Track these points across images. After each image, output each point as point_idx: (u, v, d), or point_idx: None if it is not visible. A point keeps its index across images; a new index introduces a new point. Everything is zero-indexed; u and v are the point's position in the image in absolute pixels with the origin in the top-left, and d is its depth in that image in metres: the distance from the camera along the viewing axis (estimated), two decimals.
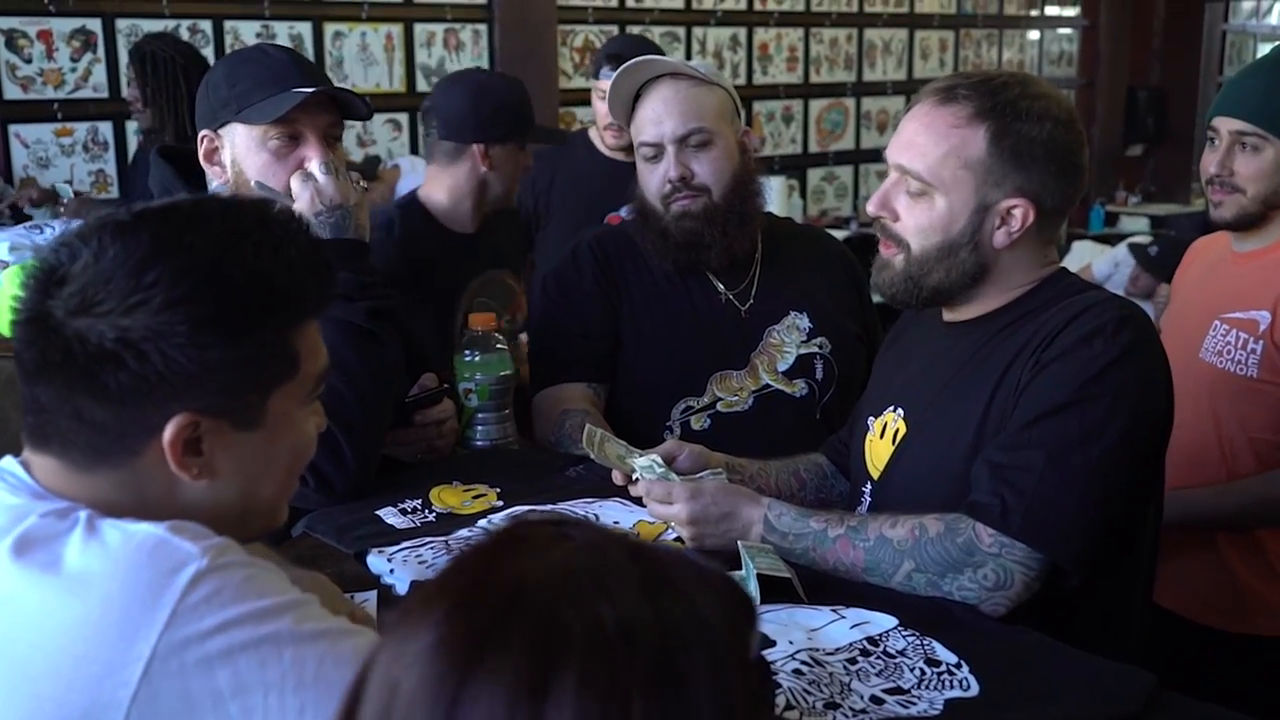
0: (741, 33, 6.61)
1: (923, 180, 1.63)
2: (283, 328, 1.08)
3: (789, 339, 2.28)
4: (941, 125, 1.62)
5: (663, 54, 3.57)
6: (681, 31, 6.37)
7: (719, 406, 2.22)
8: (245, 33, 5.08)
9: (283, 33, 5.15)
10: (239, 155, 1.91)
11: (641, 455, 1.76)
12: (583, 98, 5.93)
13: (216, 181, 1.94)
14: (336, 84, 2.10)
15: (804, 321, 2.29)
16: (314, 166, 1.88)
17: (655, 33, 6.22)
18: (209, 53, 4.78)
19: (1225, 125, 2.21)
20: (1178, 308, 2.41)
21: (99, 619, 0.94)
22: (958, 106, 1.61)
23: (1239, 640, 2.20)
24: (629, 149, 3.04)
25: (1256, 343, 2.11)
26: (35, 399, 1.03)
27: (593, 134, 3.62)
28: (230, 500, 1.10)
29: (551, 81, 5.83)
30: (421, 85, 5.53)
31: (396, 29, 5.47)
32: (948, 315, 1.74)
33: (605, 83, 3.19)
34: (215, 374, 1.03)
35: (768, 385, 2.24)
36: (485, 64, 5.70)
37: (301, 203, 1.86)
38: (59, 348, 1.00)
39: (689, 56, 6.29)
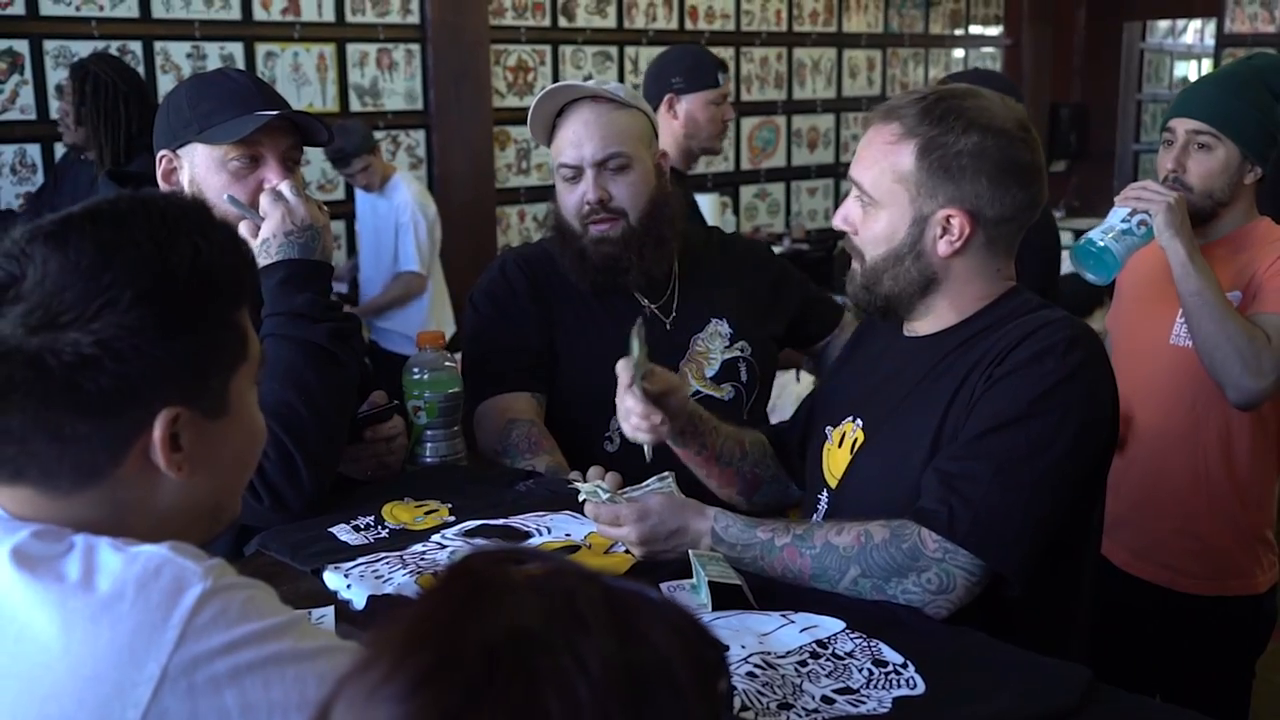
0: None
1: (867, 195, 1.70)
2: (232, 310, 1.10)
3: (714, 346, 2.35)
4: (879, 142, 1.69)
5: (726, 68, 3.57)
6: (614, 50, 6.42)
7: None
8: (175, 54, 5.05)
9: (213, 53, 5.13)
10: (198, 175, 1.93)
11: (585, 481, 1.80)
12: (516, 117, 5.96)
13: None
14: None
15: (725, 328, 2.36)
16: (284, 187, 1.90)
17: (588, 52, 6.27)
18: (139, 72, 4.75)
19: (1182, 125, 2.37)
20: (1134, 306, 2.54)
21: (109, 640, 0.94)
22: (895, 125, 1.68)
23: (1214, 601, 2.38)
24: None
25: None
26: (4, 427, 1.01)
27: None
28: (203, 496, 1.11)
29: (485, 101, 5.85)
30: (355, 105, 5.52)
31: (329, 49, 5.46)
32: (907, 330, 1.80)
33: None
34: (187, 363, 1.04)
35: (698, 392, 2.30)
36: (418, 85, 5.71)
37: (272, 221, 1.88)
38: (28, 367, 0.98)
39: (621, 76, 6.34)
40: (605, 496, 1.73)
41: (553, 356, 2.31)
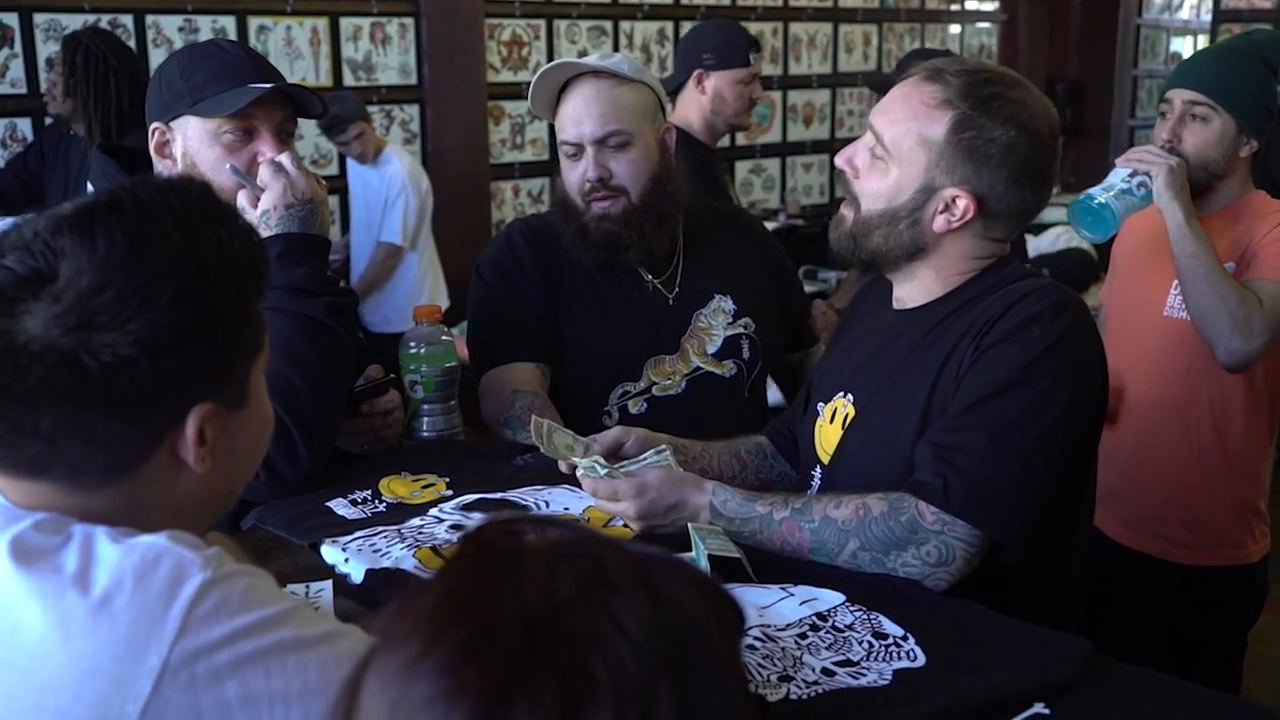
0: (669, 26, 6.65)
1: (884, 146, 1.68)
2: (252, 300, 1.09)
3: (716, 322, 2.35)
4: (915, 100, 1.66)
5: (759, 47, 3.57)
6: (609, 25, 6.39)
7: (654, 390, 2.29)
8: (167, 27, 5.01)
9: (205, 26, 5.10)
10: (191, 148, 1.91)
11: (585, 451, 1.79)
12: (511, 91, 5.93)
13: (167, 174, 1.94)
14: None
15: (728, 304, 2.36)
16: (285, 159, 1.88)
17: (582, 26, 6.24)
18: (130, 46, 4.72)
19: (1179, 96, 2.38)
20: (1128, 279, 2.55)
21: (107, 632, 0.93)
22: (936, 87, 1.65)
23: (1206, 572, 2.41)
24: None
25: None
26: (32, 429, 0.98)
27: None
28: (218, 485, 1.10)
29: (479, 76, 5.83)
30: (348, 79, 5.49)
31: (322, 23, 5.43)
32: (895, 303, 1.79)
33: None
34: (219, 357, 1.04)
35: (699, 368, 2.31)
36: (412, 59, 5.68)
37: (273, 193, 1.87)
38: (63, 368, 0.96)
39: (616, 49, 6.31)
40: (603, 471, 1.72)
41: (557, 330, 2.31)
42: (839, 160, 1.75)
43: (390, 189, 4.95)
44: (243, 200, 1.87)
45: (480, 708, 0.62)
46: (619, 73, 2.25)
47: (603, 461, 1.75)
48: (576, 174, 2.26)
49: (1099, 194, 2.32)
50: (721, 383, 2.32)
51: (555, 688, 0.62)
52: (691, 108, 3.49)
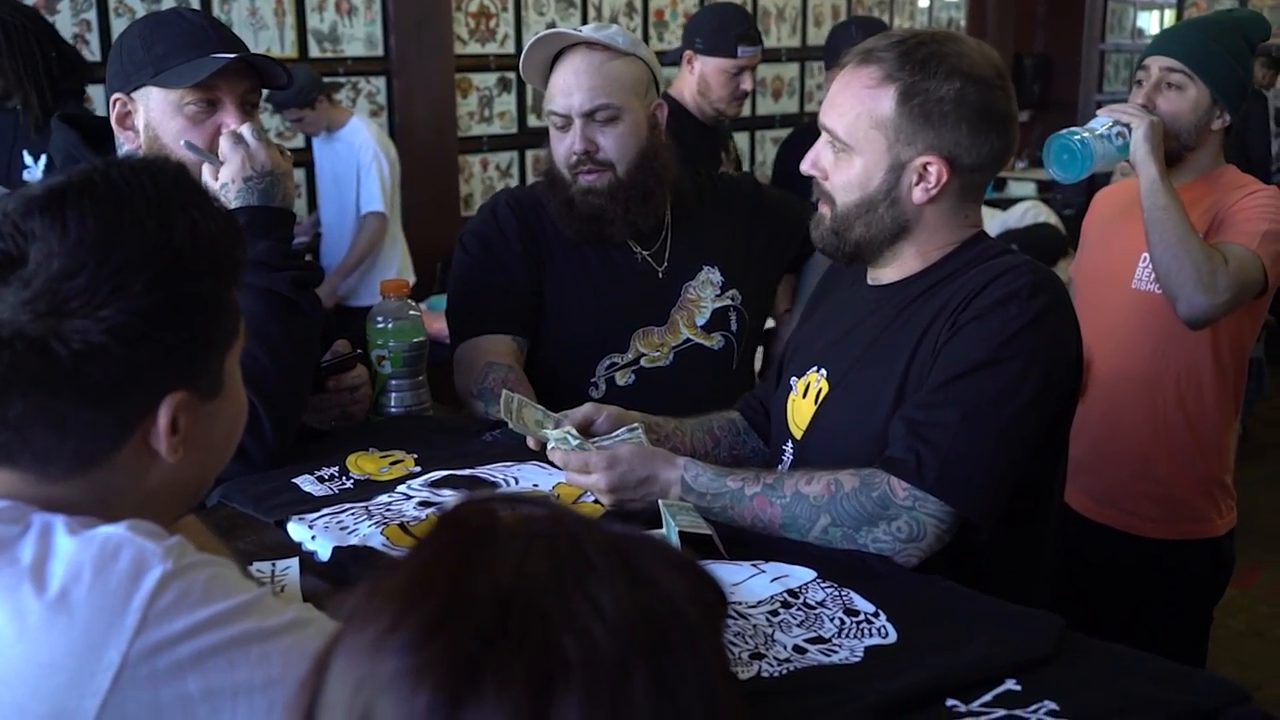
0: None
1: (840, 140, 1.68)
2: (229, 286, 1.07)
3: (705, 294, 2.35)
4: (856, 86, 1.66)
5: (755, 40, 3.62)
6: None
7: (642, 362, 2.29)
8: None
9: None
10: (154, 119, 1.88)
11: (555, 426, 1.78)
12: (478, 64, 5.88)
13: (128, 145, 1.91)
14: None
15: (716, 275, 2.36)
16: (245, 130, 1.85)
17: None
18: (92, 17, 4.65)
19: (1156, 63, 2.39)
20: (1097, 252, 2.57)
21: (65, 626, 0.91)
22: (873, 68, 1.65)
23: (1172, 546, 2.42)
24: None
25: None
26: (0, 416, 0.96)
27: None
28: (191, 475, 1.08)
29: (447, 47, 5.76)
30: (314, 50, 5.42)
31: None
32: (871, 279, 1.78)
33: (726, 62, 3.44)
34: (193, 346, 1.02)
35: (687, 340, 2.31)
36: (379, 30, 5.61)
37: (231, 166, 1.84)
38: (33, 355, 0.94)
39: (584, 21, 6.26)
40: (575, 444, 1.71)
41: (539, 302, 2.29)
42: (805, 168, 1.74)
43: (361, 157, 4.88)
44: (206, 176, 1.84)
45: (446, 685, 0.61)
46: (612, 45, 2.22)
47: (574, 433, 1.74)
48: (564, 146, 2.24)
49: (1081, 131, 2.33)
50: (710, 355, 2.33)
51: (524, 666, 0.61)
52: (685, 85, 3.56)
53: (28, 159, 4.01)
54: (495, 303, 2.27)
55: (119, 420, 1.00)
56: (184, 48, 1.85)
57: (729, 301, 2.36)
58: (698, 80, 3.49)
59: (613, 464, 1.67)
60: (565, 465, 1.71)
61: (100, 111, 2.20)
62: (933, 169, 1.64)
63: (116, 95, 1.90)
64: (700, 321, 2.34)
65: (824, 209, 1.75)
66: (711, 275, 2.36)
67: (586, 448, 1.71)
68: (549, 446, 1.75)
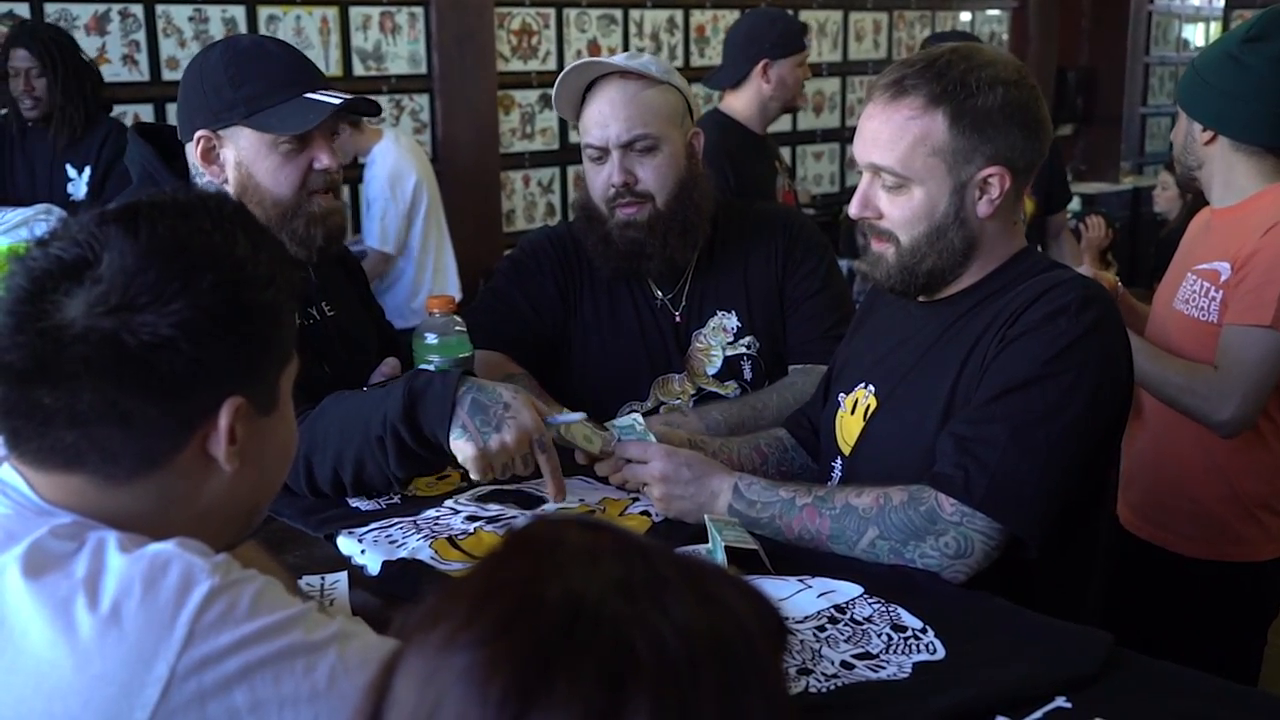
0: (679, 15, 6.62)
1: (897, 174, 1.65)
2: (285, 304, 1.10)
3: (714, 341, 2.28)
4: (899, 119, 1.64)
5: (806, 26, 3.73)
6: (619, 14, 6.36)
7: (661, 410, 2.24)
8: (177, 16, 4.99)
9: (215, 16, 5.07)
10: (245, 158, 1.87)
11: (603, 442, 1.79)
12: (520, 81, 5.91)
13: (212, 180, 1.90)
14: None
15: (731, 321, 2.29)
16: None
17: (592, 15, 6.22)
18: (141, 38, 4.72)
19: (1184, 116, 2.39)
20: (1170, 271, 2.53)
21: (116, 639, 0.94)
22: (910, 98, 1.64)
23: (1212, 566, 2.37)
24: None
25: (1217, 291, 2.24)
26: (68, 414, 0.99)
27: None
28: (245, 493, 1.11)
29: (489, 65, 5.80)
30: (358, 69, 5.48)
31: (332, 12, 5.40)
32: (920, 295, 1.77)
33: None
34: (252, 353, 1.05)
35: (701, 389, 2.27)
36: (422, 48, 5.66)
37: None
38: (103, 346, 0.97)
39: (626, 39, 6.29)
40: (640, 433, 1.78)
41: (559, 341, 2.28)
42: (853, 210, 1.72)
43: (369, 191, 4.89)
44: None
45: (518, 678, 0.61)
46: (647, 74, 2.17)
47: (640, 420, 1.80)
48: (601, 178, 2.19)
49: None
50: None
51: (596, 663, 0.61)
52: (749, 97, 3.71)
53: (71, 171, 4.09)
54: (501, 325, 2.24)
55: (181, 419, 1.03)
56: (276, 88, 1.84)
57: (743, 350, 2.28)
58: (775, 85, 3.68)
59: (671, 455, 1.71)
60: (624, 453, 1.76)
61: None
62: (994, 179, 1.64)
63: (202, 132, 1.88)
64: (711, 370, 2.28)
65: (882, 247, 1.71)
66: (725, 321, 2.29)
67: (649, 438, 1.77)
68: (601, 449, 1.77)
